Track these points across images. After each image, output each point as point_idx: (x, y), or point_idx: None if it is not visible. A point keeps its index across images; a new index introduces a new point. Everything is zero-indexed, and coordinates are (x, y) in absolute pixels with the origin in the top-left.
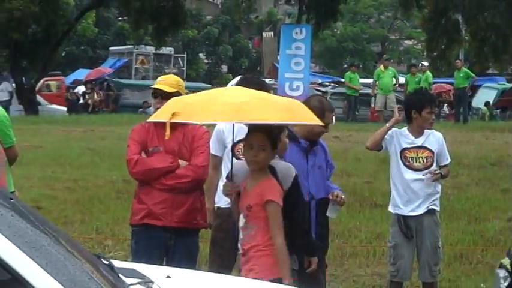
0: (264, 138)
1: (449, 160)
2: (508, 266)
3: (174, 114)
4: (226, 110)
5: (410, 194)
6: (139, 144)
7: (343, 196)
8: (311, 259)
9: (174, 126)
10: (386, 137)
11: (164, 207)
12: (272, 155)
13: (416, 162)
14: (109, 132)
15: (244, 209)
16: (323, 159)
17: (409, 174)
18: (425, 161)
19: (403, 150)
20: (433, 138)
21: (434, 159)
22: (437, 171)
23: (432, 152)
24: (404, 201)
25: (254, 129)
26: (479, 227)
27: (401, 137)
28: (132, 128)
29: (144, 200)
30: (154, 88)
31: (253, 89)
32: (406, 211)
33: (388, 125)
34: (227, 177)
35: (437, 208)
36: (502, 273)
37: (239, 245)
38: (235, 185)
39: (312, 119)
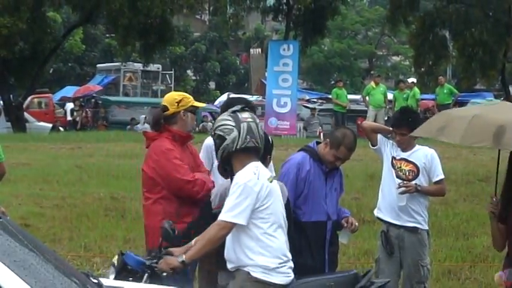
0: None
1: (440, 177)
2: (115, 262)
3: None
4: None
5: (392, 199)
6: (184, 164)
7: (356, 224)
8: None
9: (184, 143)
10: (383, 137)
11: None
12: None
13: (400, 172)
14: (97, 150)
15: None
16: (338, 182)
17: (396, 181)
18: (407, 173)
19: (392, 158)
20: (421, 154)
21: (419, 175)
22: (409, 184)
23: (416, 166)
24: (386, 205)
25: None
26: (467, 243)
27: (394, 145)
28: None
29: (187, 220)
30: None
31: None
32: (386, 216)
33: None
34: None
35: (423, 227)
36: (111, 270)
37: None
38: None
39: None
